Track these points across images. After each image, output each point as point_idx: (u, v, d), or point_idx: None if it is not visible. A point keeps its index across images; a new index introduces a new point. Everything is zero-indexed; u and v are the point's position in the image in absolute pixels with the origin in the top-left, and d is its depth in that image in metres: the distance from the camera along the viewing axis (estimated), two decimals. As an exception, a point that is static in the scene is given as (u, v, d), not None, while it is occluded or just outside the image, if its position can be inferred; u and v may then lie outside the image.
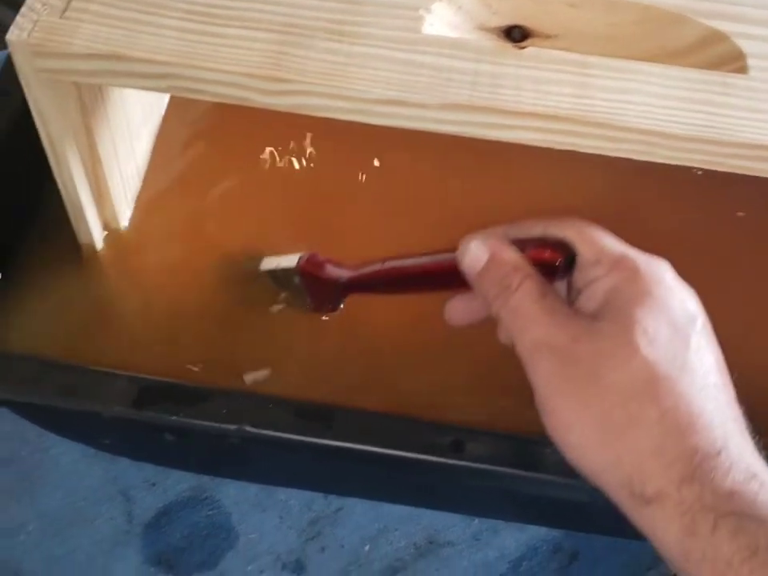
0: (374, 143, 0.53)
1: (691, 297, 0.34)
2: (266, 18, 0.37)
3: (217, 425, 0.38)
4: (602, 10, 0.40)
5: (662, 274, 0.33)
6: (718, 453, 0.30)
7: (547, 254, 0.35)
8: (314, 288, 0.43)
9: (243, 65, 0.36)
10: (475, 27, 0.40)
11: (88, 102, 0.42)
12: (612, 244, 0.34)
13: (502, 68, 0.37)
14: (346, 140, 0.52)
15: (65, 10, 0.37)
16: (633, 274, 0.33)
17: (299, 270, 0.43)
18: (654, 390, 0.31)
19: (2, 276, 0.47)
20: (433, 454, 0.38)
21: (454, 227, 0.37)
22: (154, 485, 0.53)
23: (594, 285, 0.34)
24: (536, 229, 0.36)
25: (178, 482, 0.53)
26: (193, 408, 0.39)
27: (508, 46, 0.38)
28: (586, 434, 0.31)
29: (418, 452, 0.38)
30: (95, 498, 0.52)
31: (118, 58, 0.36)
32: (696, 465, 0.30)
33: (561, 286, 0.36)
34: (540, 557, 0.52)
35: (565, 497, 0.40)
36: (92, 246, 0.48)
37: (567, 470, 0.38)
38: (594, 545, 0.52)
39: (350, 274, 0.42)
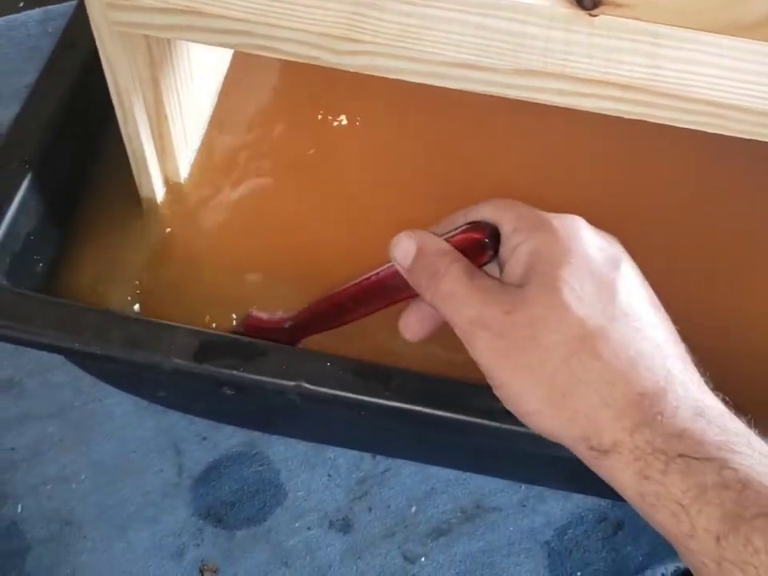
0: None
1: (611, 243, 0.36)
2: (339, -23, 0.38)
3: (275, 380, 0.39)
4: (677, -21, 0.40)
5: (576, 229, 0.35)
6: (665, 393, 0.31)
7: (471, 235, 0.36)
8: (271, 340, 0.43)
9: (317, 24, 0.36)
10: (548, -8, 0.40)
11: (156, 56, 0.43)
12: (528, 211, 0.36)
13: (575, 35, 0.37)
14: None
15: (140, -36, 0.38)
16: (550, 235, 0.34)
17: (245, 333, 0.44)
18: (590, 344, 0.32)
19: (59, 230, 0.48)
20: (489, 419, 0.39)
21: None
22: (204, 439, 0.54)
23: (517, 252, 0.35)
24: (458, 219, 0.38)
25: (229, 437, 0.54)
26: (252, 363, 0.40)
27: (581, 14, 0.38)
28: (537, 399, 0.33)
29: (475, 416, 0.39)
30: (146, 450, 0.54)
31: (192, 12, 0.37)
32: (645, 409, 0.31)
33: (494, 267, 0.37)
34: (585, 525, 0.52)
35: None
36: (153, 199, 0.49)
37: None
38: (638, 516, 0.53)
39: (289, 318, 0.43)
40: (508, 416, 0.39)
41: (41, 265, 0.46)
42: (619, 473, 0.32)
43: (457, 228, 0.37)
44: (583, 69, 0.36)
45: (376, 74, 0.38)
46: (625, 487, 0.32)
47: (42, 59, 0.69)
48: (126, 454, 0.54)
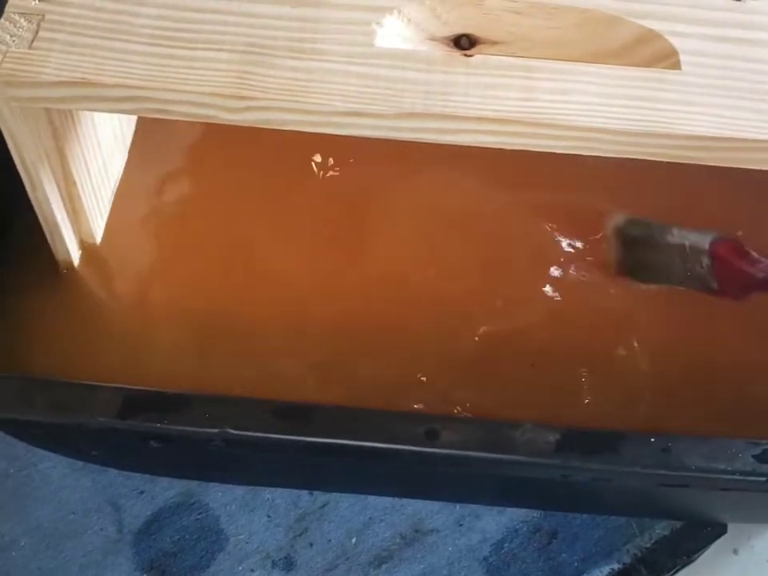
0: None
1: None
2: (228, 39, 0.40)
3: (199, 429, 0.41)
4: (544, 16, 0.43)
5: None
6: None
7: None
8: (722, 273, 0.42)
9: (209, 85, 0.39)
10: (425, 38, 0.42)
11: (59, 126, 0.45)
12: None
13: (452, 76, 0.40)
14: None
15: (33, 41, 0.40)
16: None
17: (712, 252, 0.43)
18: None
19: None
20: (408, 444, 0.41)
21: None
22: (142, 492, 0.55)
23: None
24: None
25: (166, 489, 0.55)
26: (176, 414, 0.42)
27: (456, 55, 0.41)
28: None
29: (394, 443, 0.41)
30: (85, 510, 0.55)
31: (87, 84, 0.39)
32: None
33: None
34: (520, 538, 0.55)
35: (537, 476, 0.43)
36: (69, 262, 0.51)
37: (537, 451, 0.42)
38: (571, 523, 0.55)
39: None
40: (428, 440, 0.41)
41: (-39, 337, 0.48)
42: None
43: None
44: (462, 107, 0.39)
45: (270, 126, 0.40)
46: None
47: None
48: (65, 516, 0.55)
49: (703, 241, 0.44)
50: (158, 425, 0.41)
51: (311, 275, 0.52)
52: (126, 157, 0.56)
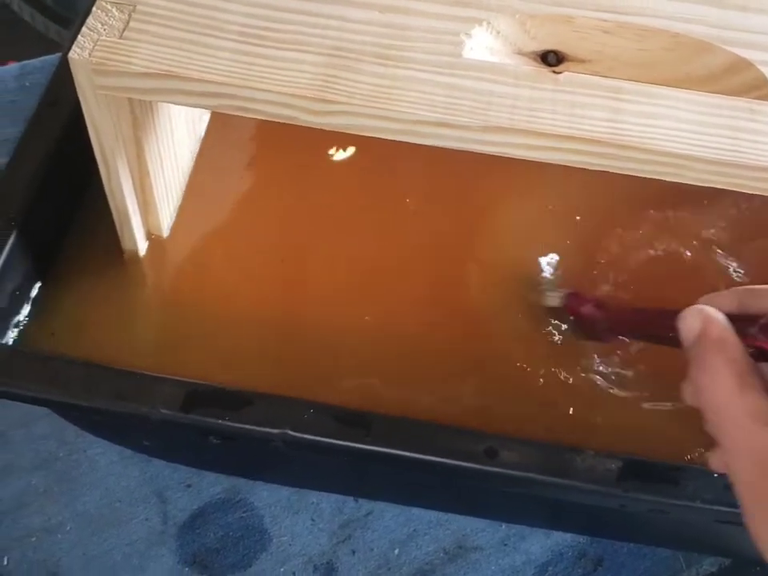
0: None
1: None
2: (315, 41, 0.40)
3: (261, 429, 0.41)
4: (634, 37, 0.42)
5: None
6: None
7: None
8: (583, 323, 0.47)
9: (293, 86, 0.39)
10: (513, 52, 0.42)
11: (139, 116, 0.45)
12: None
13: (539, 92, 0.39)
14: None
15: (124, 30, 0.40)
16: None
17: (565, 308, 0.47)
18: None
19: (42, 283, 0.50)
20: (468, 461, 0.41)
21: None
22: (189, 486, 0.56)
23: None
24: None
25: (212, 484, 0.56)
26: (237, 412, 0.42)
27: (544, 71, 0.41)
28: None
29: (454, 458, 0.41)
30: (131, 499, 0.55)
31: (174, 77, 0.39)
32: None
33: None
34: (565, 563, 0.54)
35: (593, 504, 0.43)
36: (135, 253, 0.51)
37: (597, 478, 0.41)
38: (618, 551, 0.55)
39: (603, 315, 0.45)
40: (487, 458, 0.41)
41: (26, 319, 0.48)
42: None
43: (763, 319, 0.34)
44: (548, 124, 0.38)
45: (352, 132, 0.40)
46: None
47: (19, 113, 0.72)
48: (111, 503, 0.55)
49: (555, 300, 0.48)
50: (220, 421, 0.41)
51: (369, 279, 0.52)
52: (197, 152, 0.56)
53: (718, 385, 0.32)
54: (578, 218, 0.55)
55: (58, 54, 0.79)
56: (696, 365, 0.33)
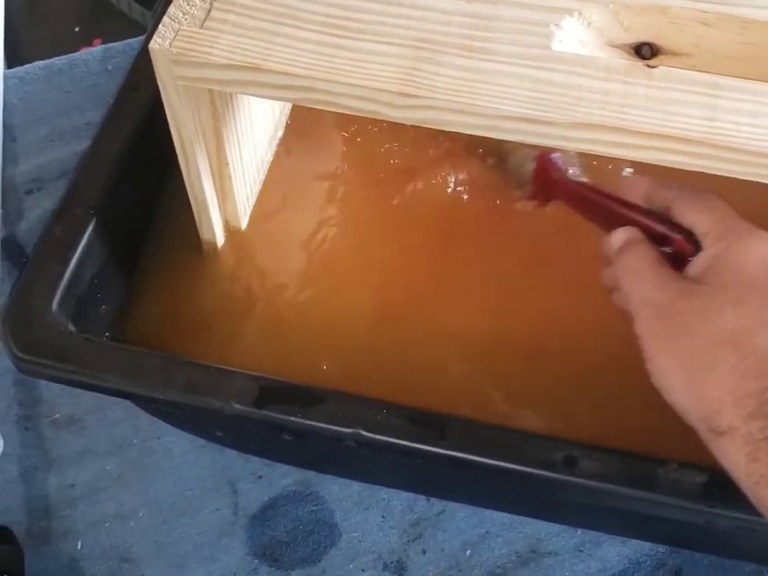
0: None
1: None
2: (398, 32, 0.39)
3: (333, 427, 0.41)
4: (736, 29, 0.40)
5: (757, 242, 0.39)
6: None
7: (686, 249, 0.41)
8: (539, 178, 0.49)
9: (376, 80, 0.38)
10: (605, 44, 0.41)
11: (219, 107, 0.45)
12: (724, 219, 0.40)
13: (632, 88, 0.38)
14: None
15: (205, 20, 0.40)
16: (732, 244, 0.39)
17: (537, 158, 0.50)
18: (735, 340, 0.37)
19: (120, 272, 0.50)
20: (545, 469, 0.40)
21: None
22: (260, 477, 0.56)
23: (702, 253, 0.40)
24: (670, 192, 0.42)
25: (284, 476, 0.56)
26: (310, 409, 0.41)
27: (638, 65, 0.39)
28: (675, 377, 0.38)
29: (530, 466, 0.40)
30: (203, 488, 0.56)
31: (256, 69, 0.39)
32: (762, 402, 0.35)
33: None
34: (643, 572, 0.53)
35: (676, 517, 0.41)
36: (213, 244, 0.51)
37: (679, 491, 0.40)
38: (698, 563, 0.53)
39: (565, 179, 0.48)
40: (565, 467, 0.40)
41: (104, 307, 0.49)
42: (731, 455, 0.36)
43: (672, 222, 0.42)
44: (641, 121, 0.37)
45: (434, 126, 0.39)
46: (734, 467, 0.36)
47: (101, 97, 0.73)
48: (183, 492, 0.56)
49: (534, 151, 0.50)
50: (292, 418, 0.41)
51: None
52: (277, 145, 0.56)
53: (641, 259, 0.41)
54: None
55: (140, 38, 0.80)
56: (624, 252, 0.42)
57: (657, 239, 0.42)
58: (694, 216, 0.41)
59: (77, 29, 1.53)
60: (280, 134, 0.56)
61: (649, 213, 0.43)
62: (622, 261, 0.42)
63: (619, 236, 0.43)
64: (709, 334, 0.37)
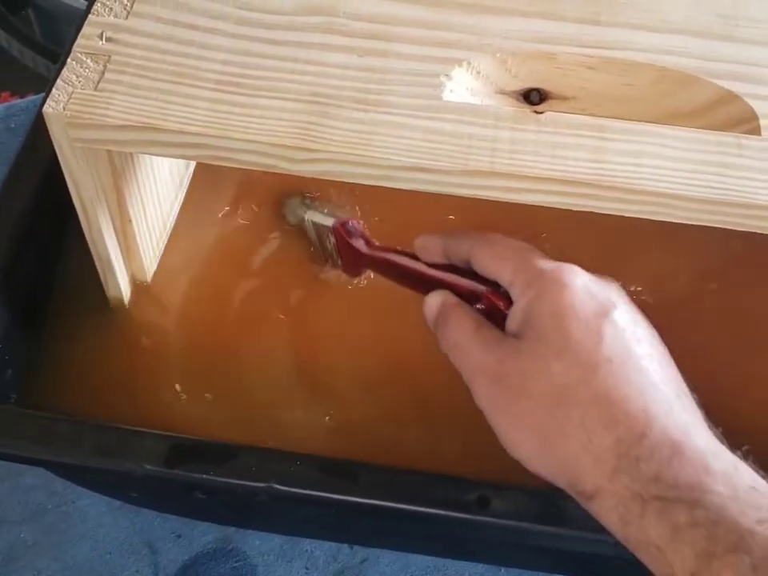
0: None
1: (605, 288, 0.38)
2: (293, 87, 0.41)
3: (246, 483, 0.41)
4: (619, 72, 0.43)
5: (569, 280, 0.37)
6: (640, 439, 0.34)
7: (500, 304, 0.40)
8: (343, 251, 0.48)
9: (272, 135, 0.39)
10: (494, 91, 0.43)
11: (118, 165, 0.45)
12: (522, 263, 0.39)
13: (521, 134, 0.40)
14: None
15: (99, 81, 0.41)
16: (542, 290, 0.37)
17: (333, 231, 0.49)
18: (572, 394, 0.35)
19: (26, 335, 0.50)
20: (459, 510, 0.40)
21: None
22: (179, 536, 0.55)
23: (513, 307, 0.39)
24: (464, 246, 0.41)
25: (204, 534, 0.55)
26: (221, 466, 0.42)
27: (527, 112, 0.41)
28: (528, 447, 0.36)
29: (444, 509, 0.41)
30: (121, 551, 0.55)
31: (152, 129, 0.39)
32: (622, 454, 0.34)
33: None
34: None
35: (589, 551, 0.43)
36: (120, 299, 0.52)
37: (590, 525, 0.41)
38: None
39: (369, 251, 0.47)
40: (478, 507, 0.41)
41: (10, 372, 0.48)
42: (605, 517, 0.34)
43: (482, 278, 0.41)
44: (529, 166, 0.39)
45: (331, 178, 0.40)
46: (613, 530, 0.34)
47: (3, 156, 0.72)
48: (102, 555, 0.55)
49: (328, 221, 0.50)
50: (204, 476, 0.41)
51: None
52: (183, 196, 0.56)
53: (460, 329, 0.39)
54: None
55: (42, 95, 0.80)
56: (442, 323, 0.40)
57: (469, 297, 0.41)
58: (492, 268, 0.40)
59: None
60: (185, 183, 0.57)
61: (455, 269, 0.42)
62: (441, 334, 0.40)
63: (432, 302, 0.41)
64: (544, 394, 0.36)
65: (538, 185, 0.38)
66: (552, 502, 0.41)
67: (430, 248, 0.43)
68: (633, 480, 0.33)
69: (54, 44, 1.25)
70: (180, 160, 0.56)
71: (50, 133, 0.41)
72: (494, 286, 0.40)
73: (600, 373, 0.35)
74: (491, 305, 0.40)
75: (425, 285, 0.43)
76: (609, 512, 0.34)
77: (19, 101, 0.78)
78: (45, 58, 1.24)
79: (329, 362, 0.51)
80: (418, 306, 0.43)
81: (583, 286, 0.37)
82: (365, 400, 0.49)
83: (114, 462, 0.42)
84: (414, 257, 0.44)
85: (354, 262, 0.48)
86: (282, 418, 0.49)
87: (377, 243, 0.47)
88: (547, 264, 0.39)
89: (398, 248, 0.45)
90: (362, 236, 0.47)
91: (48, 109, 0.40)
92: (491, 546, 0.49)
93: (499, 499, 0.41)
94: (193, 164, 0.58)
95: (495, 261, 0.40)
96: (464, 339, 0.39)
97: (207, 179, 0.56)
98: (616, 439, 0.34)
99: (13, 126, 0.75)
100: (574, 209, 0.39)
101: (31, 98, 0.79)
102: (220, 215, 0.56)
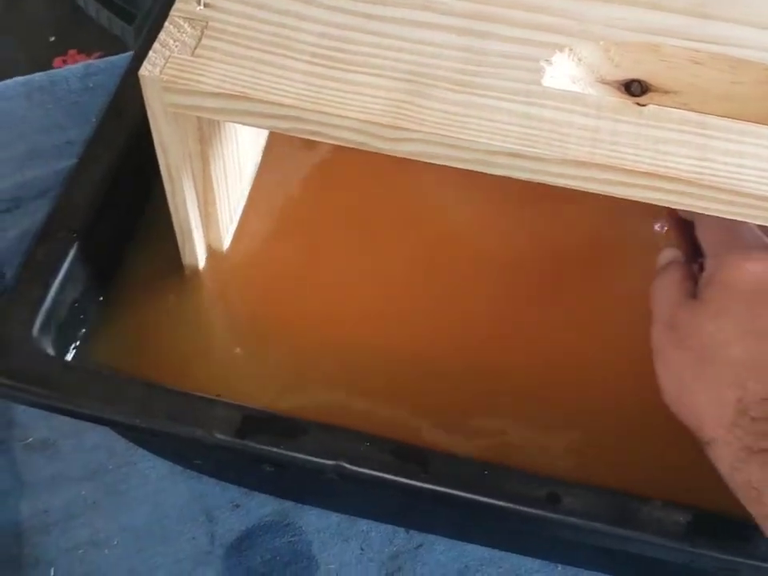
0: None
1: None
2: (389, 64, 0.40)
3: (315, 459, 0.41)
4: (727, 69, 0.41)
5: (747, 262, 0.42)
6: (760, 403, 0.38)
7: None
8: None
9: (366, 112, 0.39)
10: (595, 80, 0.42)
11: (206, 131, 0.46)
12: (725, 240, 0.43)
13: (623, 125, 0.39)
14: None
15: (196, 47, 0.41)
16: (722, 265, 0.42)
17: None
18: (713, 353, 0.40)
19: (105, 291, 0.50)
20: (528, 506, 0.40)
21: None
22: (237, 506, 0.56)
23: (704, 273, 0.43)
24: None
25: (262, 506, 0.56)
26: (292, 441, 0.42)
27: (629, 103, 0.40)
28: (671, 389, 0.42)
29: (513, 502, 0.40)
30: (179, 516, 0.56)
31: (245, 98, 0.39)
32: (740, 412, 0.38)
33: None
34: (623, 610, 0.53)
35: (658, 556, 0.42)
36: (195, 267, 0.52)
37: (662, 530, 0.40)
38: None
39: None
40: (547, 504, 0.40)
41: (83, 330, 0.49)
42: (718, 463, 0.39)
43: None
44: (631, 159, 0.38)
45: (422, 159, 0.40)
46: (723, 474, 0.39)
47: (82, 115, 0.73)
48: (159, 519, 0.56)
49: None
50: (274, 449, 0.41)
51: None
52: (259, 163, 0.56)
53: (669, 279, 0.45)
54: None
55: (123, 56, 0.80)
56: (663, 271, 0.46)
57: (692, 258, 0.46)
58: (702, 237, 0.45)
59: (52, 38, 1.54)
60: (261, 151, 0.57)
61: (687, 224, 0.47)
62: (654, 281, 0.46)
63: (662, 256, 0.47)
64: (696, 346, 0.41)
65: (639, 179, 0.38)
66: (623, 504, 0.41)
67: None
68: (746, 434, 0.38)
69: (131, 6, 1.26)
70: (258, 131, 0.56)
71: (144, 96, 0.41)
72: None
73: (745, 342, 0.40)
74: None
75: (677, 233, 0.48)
76: (721, 458, 0.39)
77: (97, 60, 0.78)
78: (121, 19, 1.25)
79: (409, 346, 0.50)
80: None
81: (761, 268, 0.41)
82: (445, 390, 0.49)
83: (186, 428, 0.42)
84: None
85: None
86: (352, 402, 0.48)
87: None
88: (742, 244, 0.43)
89: None
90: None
91: (144, 72, 0.40)
92: (554, 544, 0.49)
93: (570, 497, 0.41)
94: (267, 135, 0.58)
95: (705, 231, 0.45)
96: (666, 287, 0.44)
97: (283, 147, 0.56)
98: (738, 398, 0.39)
99: (91, 85, 0.76)
100: (672, 206, 0.39)
101: (109, 58, 0.79)
102: (294, 184, 0.56)
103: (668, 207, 0.42)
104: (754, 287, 0.41)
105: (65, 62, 1.51)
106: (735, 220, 0.41)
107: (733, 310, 0.41)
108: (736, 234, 0.43)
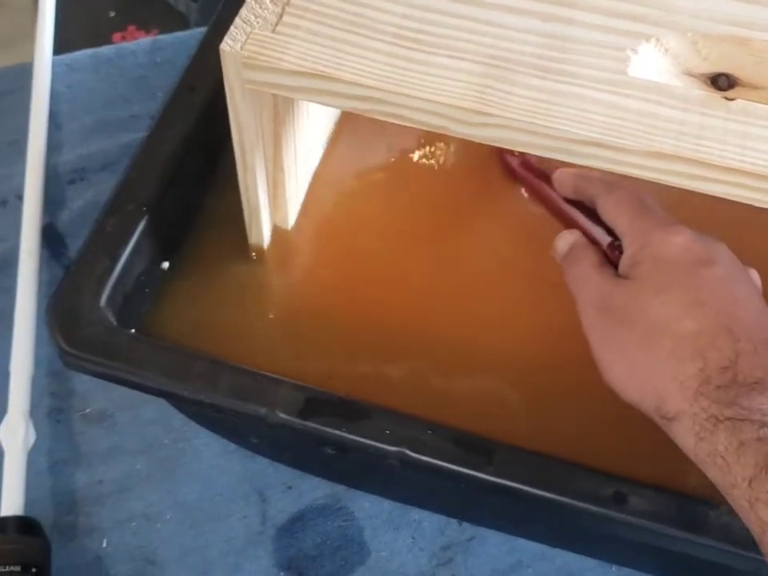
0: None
1: (707, 245, 0.42)
2: (471, 48, 0.40)
3: (378, 444, 0.41)
4: (820, 65, 0.40)
5: (672, 235, 0.42)
6: (722, 372, 0.38)
7: (614, 258, 0.45)
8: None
9: (447, 95, 0.38)
10: (681, 72, 0.41)
11: (281, 112, 0.45)
12: (640, 218, 0.44)
13: (710, 119, 0.38)
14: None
15: (277, 24, 0.41)
16: (648, 241, 0.42)
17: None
18: (664, 327, 0.40)
19: (169, 266, 0.51)
20: (594, 504, 0.40)
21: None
22: (290, 488, 0.56)
23: (624, 254, 0.44)
24: (592, 189, 0.47)
25: (314, 489, 0.56)
26: (354, 424, 0.42)
27: (716, 97, 0.39)
28: (623, 371, 0.41)
29: (579, 500, 0.40)
30: (232, 495, 0.56)
31: (326, 78, 0.39)
32: (703, 382, 0.38)
33: None
34: (678, 615, 0.53)
35: (722, 562, 0.41)
36: (260, 246, 0.52)
37: (729, 536, 0.40)
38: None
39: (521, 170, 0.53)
40: (614, 503, 0.40)
41: (148, 303, 0.49)
42: (683, 437, 0.38)
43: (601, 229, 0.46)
44: (717, 155, 0.37)
45: (503, 145, 0.39)
46: (688, 449, 0.38)
47: (148, 90, 0.74)
48: (212, 497, 0.56)
49: None
50: (337, 432, 0.41)
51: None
52: (326, 145, 0.56)
53: (585, 265, 0.44)
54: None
55: (191, 32, 0.81)
56: (571, 258, 0.45)
57: (594, 240, 0.46)
58: (610, 216, 0.45)
59: (112, 13, 1.55)
60: (329, 133, 0.57)
61: (585, 208, 0.47)
62: (567, 266, 0.46)
63: (564, 240, 0.47)
64: (641, 325, 0.40)
65: (725, 175, 0.37)
66: (689, 507, 0.40)
67: (564, 183, 0.49)
68: (711, 403, 0.37)
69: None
70: (330, 110, 0.55)
71: (224, 72, 0.41)
72: (612, 235, 0.45)
73: (694, 313, 0.39)
74: (607, 257, 0.45)
75: (558, 216, 0.48)
76: (686, 432, 0.38)
77: (165, 35, 0.79)
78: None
79: (466, 332, 0.50)
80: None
81: (687, 240, 0.42)
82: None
83: (249, 406, 0.42)
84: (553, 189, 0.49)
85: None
86: (417, 386, 0.48)
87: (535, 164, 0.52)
88: (659, 220, 0.43)
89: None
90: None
91: (225, 47, 0.40)
92: (613, 544, 0.48)
93: (636, 497, 0.40)
94: (338, 114, 0.57)
95: (614, 210, 0.45)
96: (586, 273, 0.44)
97: (351, 130, 0.56)
98: (700, 369, 0.38)
99: (158, 60, 0.76)
100: (757, 204, 0.38)
101: (177, 33, 0.79)
102: (360, 166, 0.55)
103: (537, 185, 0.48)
104: (685, 258, 0.41)
105: (123, 37, 1.52)
106: (642, 198, 0.44)
107: (673, 283, 0.41)
108: (648, 212, 0.44)
